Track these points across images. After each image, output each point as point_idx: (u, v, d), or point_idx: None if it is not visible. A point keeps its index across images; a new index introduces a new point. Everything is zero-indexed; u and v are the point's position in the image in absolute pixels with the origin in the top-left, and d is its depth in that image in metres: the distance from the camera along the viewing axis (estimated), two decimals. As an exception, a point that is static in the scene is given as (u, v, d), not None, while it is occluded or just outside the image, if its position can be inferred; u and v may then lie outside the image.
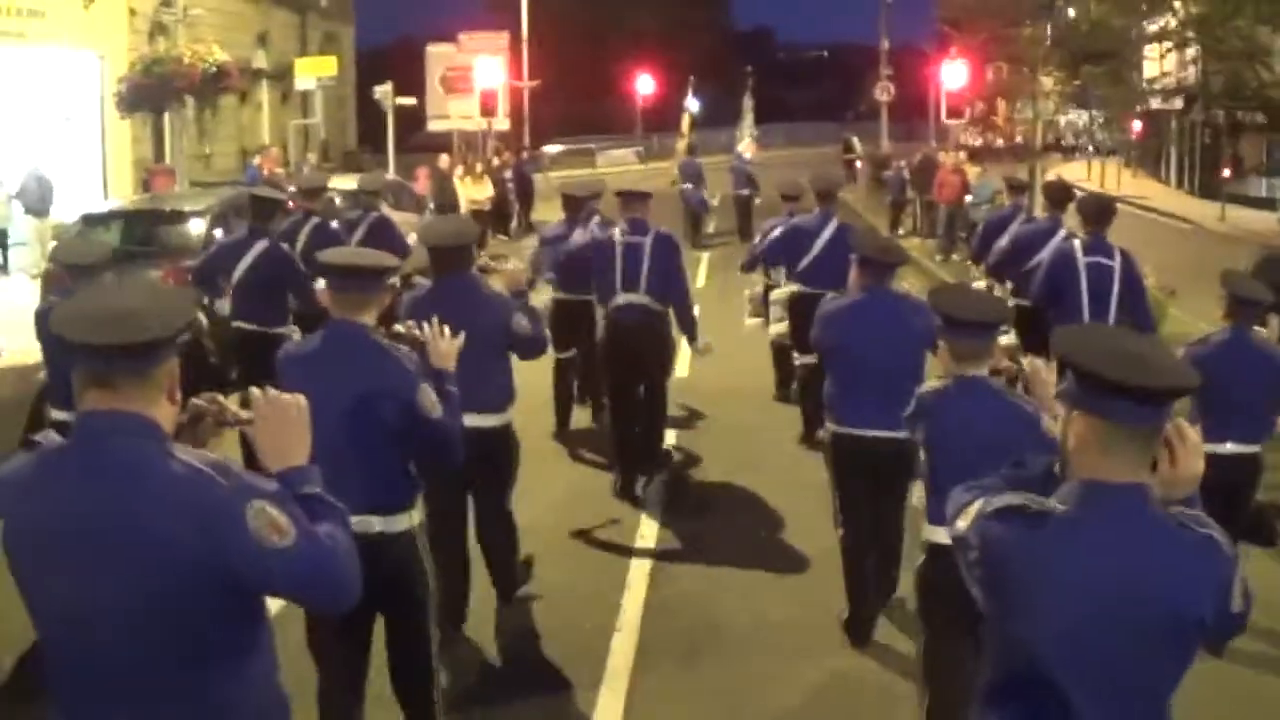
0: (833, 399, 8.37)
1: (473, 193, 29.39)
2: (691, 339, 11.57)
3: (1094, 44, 26.11)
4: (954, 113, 31.70)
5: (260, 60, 39.82)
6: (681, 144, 40.91)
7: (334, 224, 14.04)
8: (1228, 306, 8.03)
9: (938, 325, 6.40)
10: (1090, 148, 60.19)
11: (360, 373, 5.83)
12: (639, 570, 9.66)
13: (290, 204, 13.61)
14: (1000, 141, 49.82)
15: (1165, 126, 54.77)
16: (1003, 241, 13.37)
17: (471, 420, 6.92)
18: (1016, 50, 27.30)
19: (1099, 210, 11.34)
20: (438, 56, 40.34)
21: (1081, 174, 53.38)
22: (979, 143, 49.65)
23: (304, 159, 33.78)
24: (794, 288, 13.02)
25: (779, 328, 13.45)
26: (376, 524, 5.77)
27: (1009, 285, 12.82)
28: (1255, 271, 11.34)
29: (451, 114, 38.83)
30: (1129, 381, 3.51)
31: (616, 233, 11.09)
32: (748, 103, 42.74)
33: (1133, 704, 3.63)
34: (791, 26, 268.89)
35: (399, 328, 6.34)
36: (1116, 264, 10.80)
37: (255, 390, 3.95)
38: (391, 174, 27.99)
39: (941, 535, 5.42)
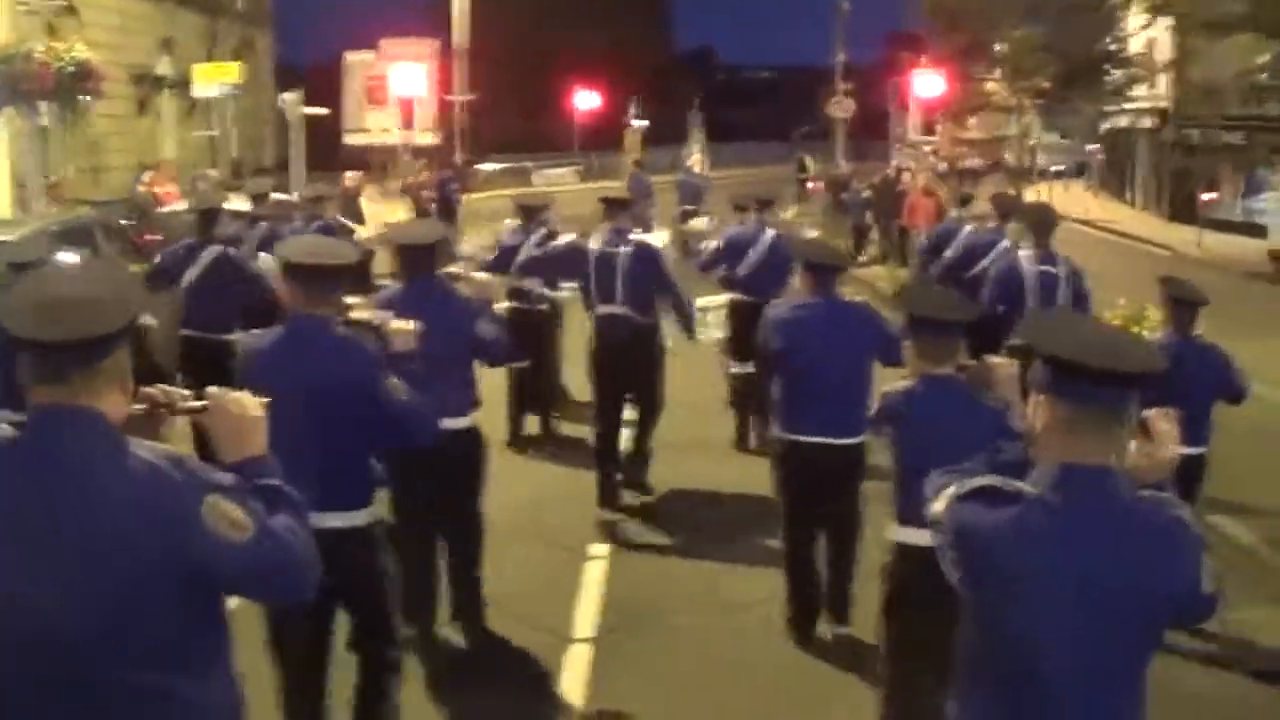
0: (781, 406, 8.44)
1: (385, 215, 25.98)
2: (689, 334, 12.02)
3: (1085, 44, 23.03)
4: (926, 128, 28.47)
5: (163, 66, 36.26)
6: (630, 159, 40.42)
7: (284, 230, 13.87)
8: (1169, 310, 8.66)
9: (903, 325, 6.58)
10: (1054, 169, 57.85)
11: (323, 364, 5.87)
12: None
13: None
14: (977, 161, 46.87)
15: (1131, 146, 52.11)
16: (949, 252, 13.92)
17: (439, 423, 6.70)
18: (1005, 55, 23.91)
19: (1042, 220, 11.87)
20: (356, 65, 36.82)
21: (1040, 196, 50.69)
22: (952, 165, 46.68)
23: (201, 174, 30.48)
24: (730, 296, 13.27)
25: (715, 334, 13.53)
26: (335, 520, 5.67)
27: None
28: None
29: (370, 127, 35.37)
30: (1098, 365, 3.60)
31: (593, 242, 11.24)
32: (695, 119, 41.96)
33: (1106, 682, 3.67)
34: (732, 47, 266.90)
35: (355, 315, 6.28)
36: (1062, 273, 11.25)
37: (211, 388, 3.90)
38: (294, 194, 24.68)
39: (910, 536, 5.98)
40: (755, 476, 11.00)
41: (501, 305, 11.92)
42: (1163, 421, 3.85)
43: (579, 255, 11.37)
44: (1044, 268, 11.19)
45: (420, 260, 7.94)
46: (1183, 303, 8.54)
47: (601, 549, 10.37)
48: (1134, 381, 3.65)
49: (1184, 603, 3.68)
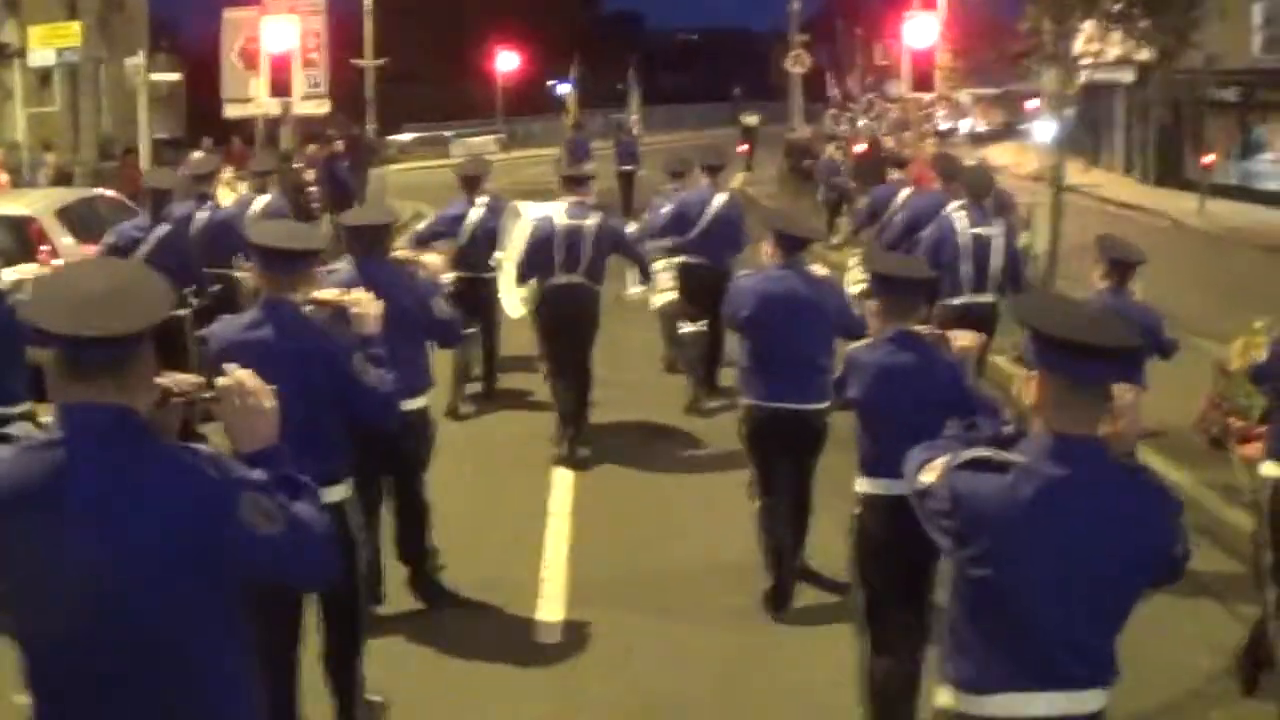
0: (747, 374, 8.82)
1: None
2: (647, 284, 13.34)
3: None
4: (923, 83, 23.57)
5: (8, 33, 30.97)
6: (569, 120, 40.55)
7: (225, 207, 14.56)
8: (1105, 269, 8.72)
9: (869, 284, 6.83)
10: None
11: (300, 345, 6.04)
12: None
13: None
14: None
15: (1108, 105, 47.69)
16: (897, 217, 14.25)
17: None
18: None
19: (978, 183, 12.53)
20: (235, 23, 30.87)
21: (1008, 159, 46.24)
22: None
23: (40, 158, 25.47)
24: (681, 259, 13.65)
25: (667, 297, 13.73)
26: None
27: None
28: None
29: (253, 95, 29.77)
30: (1088, 341, 3.93)
31: (558, 215, 11.87)
32: (633, 82, 40.73)
33: (1094, 632, 4.03)
34: (659, 11, 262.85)
35: (319, 294, 6.45)
36: (998, 234, 11.85)
37: (222, 379, 3.88)
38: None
39: (877, 486, 6.37)
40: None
41: (449, 275, 12.14)
42: (1127, 395, 4.14)
43: (545, 231, 11.84)
44: (978, 230, 11.69)
45: (373, 241, 8.22)
46: (1120, 263, 8.72)
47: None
48: (1117, 355, 4.02)
49: (1163, 561, 4.07)
